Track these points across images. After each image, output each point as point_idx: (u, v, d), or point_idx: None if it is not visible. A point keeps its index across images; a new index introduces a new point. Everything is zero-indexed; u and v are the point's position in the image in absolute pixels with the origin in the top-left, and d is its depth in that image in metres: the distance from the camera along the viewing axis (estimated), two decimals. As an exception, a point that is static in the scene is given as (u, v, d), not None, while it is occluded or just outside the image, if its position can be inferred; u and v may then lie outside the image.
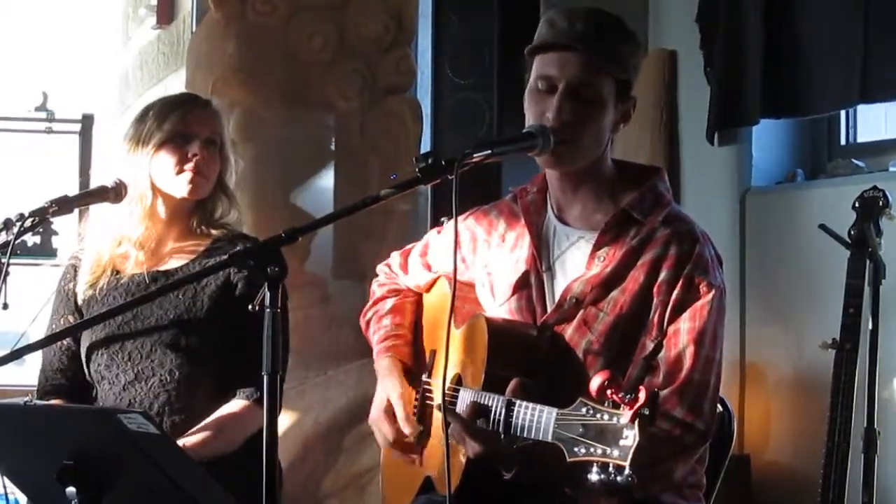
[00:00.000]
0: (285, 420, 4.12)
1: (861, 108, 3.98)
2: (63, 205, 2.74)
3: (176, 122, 2.83)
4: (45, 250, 5.05)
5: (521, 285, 2.46)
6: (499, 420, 2.23)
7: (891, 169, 3.85)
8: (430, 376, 2.58)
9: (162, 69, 5.74)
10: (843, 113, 4.11)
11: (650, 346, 2.33)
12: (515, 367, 2.32)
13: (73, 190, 2.87)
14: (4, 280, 2.66)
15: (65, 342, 2.87)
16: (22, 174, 5.73)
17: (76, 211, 2.89)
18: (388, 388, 2.57)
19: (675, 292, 2.33)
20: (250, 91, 4.45)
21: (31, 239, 4.86)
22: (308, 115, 4.55)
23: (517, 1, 4.99)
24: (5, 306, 2.72)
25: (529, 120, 2.38)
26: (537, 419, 2.11)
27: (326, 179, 4.58)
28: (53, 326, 2.92)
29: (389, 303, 2.74)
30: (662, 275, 2.35)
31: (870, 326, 2.88)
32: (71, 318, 2.90)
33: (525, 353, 2.38)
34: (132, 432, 1.96)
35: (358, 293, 3.85)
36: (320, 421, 4.29)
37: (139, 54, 6.13)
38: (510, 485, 2.24)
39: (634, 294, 2.35)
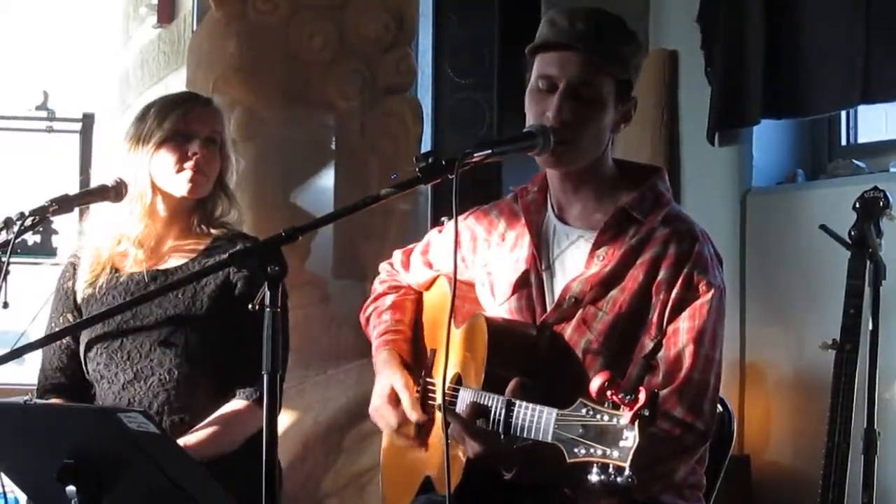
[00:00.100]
0: (285, 419, 4.12)
1: (862, 108, 3.98)
2: (63, 204, 2.74)
3: (176, 121, 2.83)
4: (46, 249, 5.04)
5: (521, 284, 2.46)
6: (499, 420, 2.23)
7: (891, 169, 3.84)
8: (429, 375, 2.58)
9: (163, 68, 5.74)
10: (843, 113, 4.11)
11: (649, 345, 2.33)
12: (515, 366, 2.32)
13: (73, 189, 2.87)
14: (5, 279, 2.66)
15: (64, 341, 2.87)
16: (22, 173, 5.73)
17: (76, 210, 2.89)
18: (391, 378, 2.56)
19: (675, 291, 2.33)
20: (251, 90, 4.45)
21: (32, 238, 4.86)
22: (308, 114, 4.55)
23: (518, 1, 4.99)
24: (5, 305, 2.72)
25: (530, 119, 2.38)
26: (537, 419, 2.11)
27: (327, 179, 4.58)
28: (52, 325, 2.92)
29: (389, 299, 2.74)
30: (662, 274, 2.35)
31: (870, 327, 2.88)
32: (70, 317, 2.90)
33: (525, 353, 2.38)
34: (132, 431, 1.96)
35: (358, 293, 3.84)
36: (320, 420, 4.29)
37: (140, 53, 6.14)
38: (510, 485, 2.24)
39: (634, 293, 2.35)
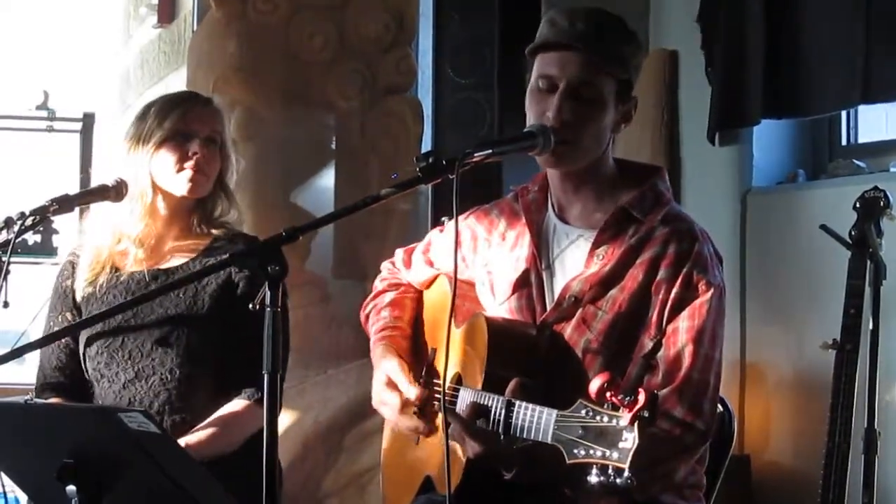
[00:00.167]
0: (285, 419, 4.12)
1: (862, 108, 3.98)
2: (64, 203, 2.74)
3: (176, 121, 2.83)
4: (46, 249, 5.05)
5: (521, 284, 2.46)
6: (499, 420, 2.23)
7: (891, 169, 3.84)
8: (430, 374, 2.58)
9: (163, 68, 5.74)
10: (844, 113, 4.11)
11: (649, 344, 2.33)
12: (515, 366, 2.32)
13: (73, 188, 2.87)
14: (5, 278, 2.66)
15: (63, 339, 2.87)
16: (23, 173, 5.73)
17: (77, 209, 2.89)
18: (386, 367, 2.56)
19: (674, 291, 2.33)
20: (251, 90, 4.45)
21: (32, 237, 4.87)
22: (309, 114, 4.55)
23: (518, 0, 4.99)
24: (6, 305, 2.72)
25: (530, 119, 2.38)
26: (537, 420, 2.11)
27: (327, 179, 4.58)
28: (51, 324, 2.92)
29: (388, 296, 2.74)
30: (661, 273, 2.35)
31: (870, 327, 2.88)
32: (69, 316, 2.90)
33: (525, 353, 2.38)
34: (133, 431, 1.96)
35: (358, 292, 3.84)
36: (320, 420, 4.29)
37: (140, 53, 6.14)
38: (510, 485, 2.24)
39: (633, 292, 2.35)
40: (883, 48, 3.64)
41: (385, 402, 2.54)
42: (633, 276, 2.36)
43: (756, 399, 4.08)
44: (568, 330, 2.39)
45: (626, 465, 1.85)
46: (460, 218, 2.45)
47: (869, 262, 2.91)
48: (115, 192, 2.82)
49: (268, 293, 1.98)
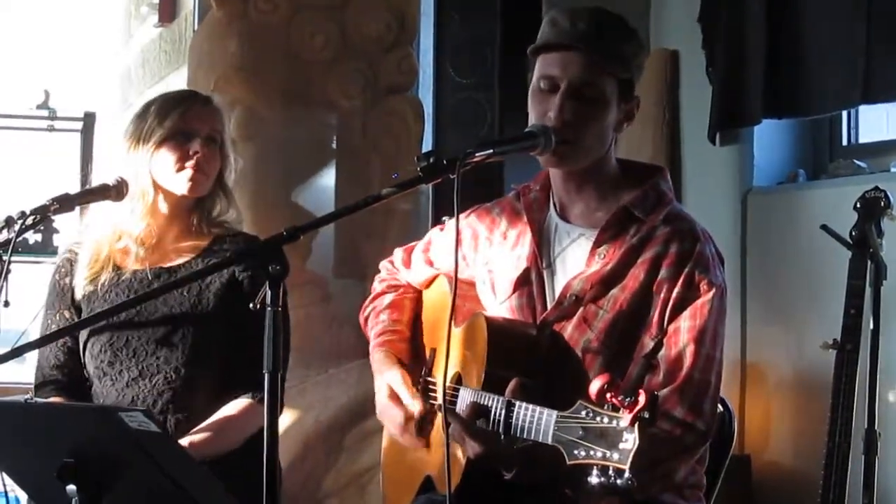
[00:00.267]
0: (286, 419, 4.12)
1: (863, 108, 3.98)
2: (64, 203, 2.74)
3: (177, 120, 2.82)
4: (47, 248, 5.05)
5: (522, 282, 2.46)
6: (499, 420, 2.23)
7: (892, 169, 3.84)
8: (430, 374, 2.58)
9: (164, 67, 5.75)
10: (844, 113, 4.11)
11: (650, 344, 2.33)
12: (515, 366, 2.32)
13: (74, 188, 2.87)
14: (6, 278, 2.66)
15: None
16: (23, 172, 5.73)
17: (77, 209, 2.89)
18: (387, 377, 2.56)
19: (676, 290, 2.33)
20: (252, 90, 4.45)
21: (33, 237, 4.87)
22: (310, 113, 4.55)
23: (519, 0, 4.99)
24: (6, 304, 2.72)
25: (532, 119, 2.38)
26: (537, 421, 2.11)
27: (328, 178, 4.59)
28: (49, 322, 2.91)
29: (387, 298, 2.74)
30: (663, 273, 2.35)
31: (871, 327, 2.88)
32: (67, 314, 2.89)
33: (525, 353, 2.38)
34: (133, 430, 1.96)
35: (359, 292, 3.84)
36: (321, 420, 4.29)
37: (141, 52, 6.14)
38: (510, 485, 2.24)
39: (634, 292, 2.35)
40: (884, 48, 3.64)
41: (389, 416, 2.55)
42: (634, 276, 2.36)
43: (756, 399, 4.08)
44: (569, 329, 2.38)
45: (626, 466, 1.86)
46: (461, 216, 2.44)
47: (869, 263, 2.91)
48: (116, 191, 2.81)
49: (268, 292, 1.98)
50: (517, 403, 2.20)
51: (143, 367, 2.79)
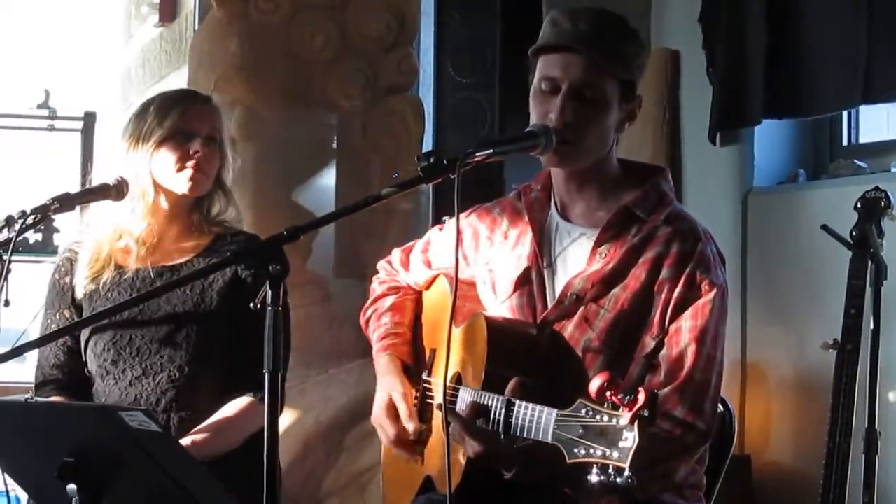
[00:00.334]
0: (286, 418, 4.12)
1: (863, 108, 3.98)
2: (65, 202, 2.74)
3: (176, 119, 2.82)
4: (47, 247, 5.05)
5: (523, 282, 2.46)
6: (498, 420, 2.23)
7: (893, 170, 3.84)
8: (430, 375, 2.59)
9: (164, 67, 5.75)
10: (845, 113, 4.10)
11: (651, 344, 2.34)
12: (515, 366, 2.32)
13: (74, 187, 2.87)
14: (6, 277, 2.66)
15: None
16: (24, 171, 5.73)
17: (78, 208, 2.89)
18: (389, 387, 2.57)
19: (677, 290, 2.33)
20: (252, 89, 4.45)
21: (33, 236, 4.87)
22: (310, 113, 4.55)
23: (519, 0, 4.99)
24: (7, 303, 2.72)
25: (534, 120, 2.38)
26: (537, 420, 2.11)
27: (328, 178, 4.59)
28: (49, 322, 2.91)
29: (389, 301, 2.74)
30: (664, 273, 2.35)
31: (871, 327, 2.88)
32: (67, 313, 2.89)
33: (525, 352, 2.38)
34: (133, 430, 1.96)
35: (359, 292, 3.84)
36: (321, 420, 4.29)
37: (141, 52, 6.14)
38: (510, 484, 2.24)
39: (636, 292, 2.35)
40: (884, 48, 3.64)
41: (383, 428, 2.56)
42: (635, 276, 2.36)
43: (757, 399, 4.08)
44: (569, 328, 2.38)
45: (626, 465, 1.86)
46: (462, 215, 2.45)
47: (870, 263, 2.91)
48: (117, 190, 2.81)
49: (269, 292, 1.98)
50: (517, 402, 2.20)
51: (147, 365, 2.79)
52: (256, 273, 2.78)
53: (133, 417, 1.96)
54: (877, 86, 3.67)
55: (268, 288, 1.98)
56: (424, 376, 2.59)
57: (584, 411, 1.94)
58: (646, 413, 1.86)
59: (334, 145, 4.61)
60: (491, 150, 2.23)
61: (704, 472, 2.45)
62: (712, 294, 2.33)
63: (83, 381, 2.87)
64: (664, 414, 2.23)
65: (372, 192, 2.19)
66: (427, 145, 4.77)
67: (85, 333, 2.85)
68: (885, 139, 4.07)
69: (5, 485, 2.35)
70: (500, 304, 2.50)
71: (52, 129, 5.61)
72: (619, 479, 1.87)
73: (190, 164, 2.81)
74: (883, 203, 2.94)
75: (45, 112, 5.60)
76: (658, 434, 2.17)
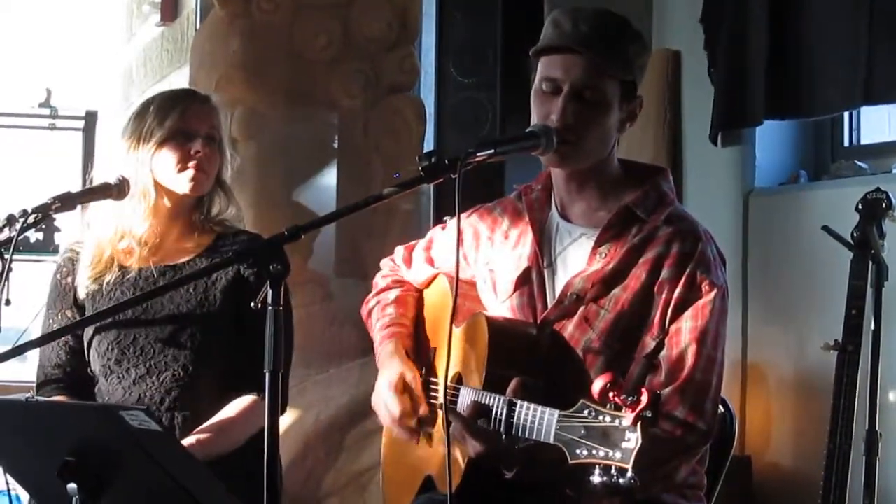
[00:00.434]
0: (286, 418, 4.11)
1: (865, 109, 3.97)
2: (66, 201, 2.74)
3: (177, 119, 2.82)
4: (48, 247, 5.05)
5: (523, 282, 2.46)
6: (500, 420, 2.23)
7: (894, 170, 3.84)
8: (430, 374, 2.58)
9: (165, 66, 5.75)
10: (846, 114, 4.10)
11: (651, 344, 2.33)
12: (516, 365, 2.32)
13: (76, 186, 2.87)
14: (7, 276, 2.66)
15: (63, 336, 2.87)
16: (25, 171, 5.74)
17: (79, 207, 2.89)
18: (400, 367, 2.54)
19: (678, 291, 2.33)
20: (254, 89, 4.45)
21: (34, 235, 4.87)
22: (311, 113, 4.56)
23: (521, 0, 4.99)
24: (8, 302, 2.72)
25: (535, 121, 2.38)
26: (539, 420, 2.11)
27: (329, 178, 4.59)
28: (50, 321, 2.91)
29: (393, 293, 2.73)
30: (664, 273, 2.35)
31: (872, 328, 2.88)
32: (69, 313, 2.89)
33: (525, 352, 2.38)
34: (133, 429, 1.96)
35: (360, 291, 3.83)
36: (321, 419, 4.29)
37: (143, 51, 6.14)
38: (511, 484, 2.24)
39: (636, 292, 2.35)
40: (886, 49, 3.64)
41: (387, 405, 2.52)
42: (636, 276, 2.36)
43: (757, 400, 4.08)
44: (569, 328, 2.38)
45: (629, 466, 1.86)
46: (463, 215, 2.44)
47: (871, 264, 2.90)
48: (118, 190, 2.81)
49: (270, 292, 1.98)
50: (519, 403, 2.20)
51: (151, 364, 2.79)
52: (259, 272, 2.78)
53: (134, 417, 1.96)
54: (878, 87, 3.66)
55: (268, 287, 1.98)
56: (425, 375, 2.59)
57: (586, 412, 1.94)
58: (648, 414, 1.86)
59: (336, 145, 4.62)
60: (492, 151, 2.23)
61: (705, 473, 2.45)
62: (713, 294, 2.33)
63: (85, 381, 2.87)
64: (665, 414, 2.23)
65: (373, 192, 2.19)
66: (428, 145, 4.77)
67: (88, 333, 2.85)
68: (886, 140, 4.07)
69: (6, 484, 2.35)
70: (500, 303, 2.50)
71: (53, 128, 5.62)
72: (621, 481, 1.87)
73: (191, 164, 2.81)
74: (884, 204, 2.93)
75: (46, 111, 5.60)
76: (659, 434, 2.17)
